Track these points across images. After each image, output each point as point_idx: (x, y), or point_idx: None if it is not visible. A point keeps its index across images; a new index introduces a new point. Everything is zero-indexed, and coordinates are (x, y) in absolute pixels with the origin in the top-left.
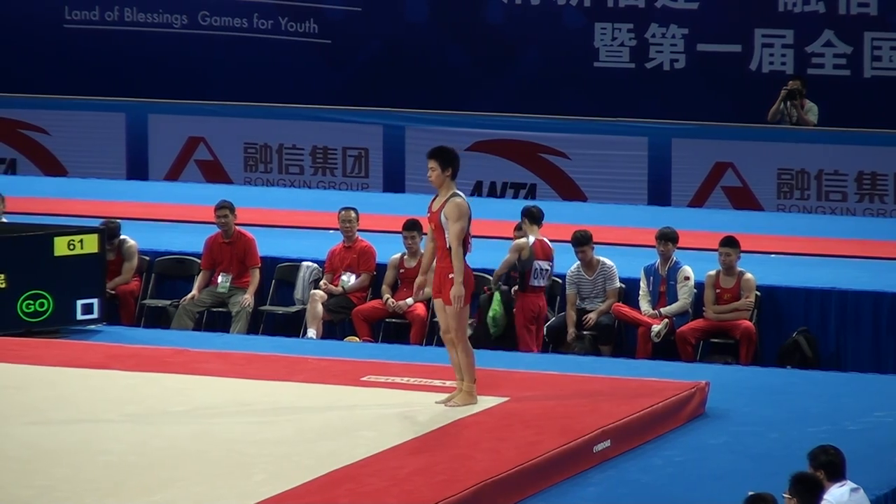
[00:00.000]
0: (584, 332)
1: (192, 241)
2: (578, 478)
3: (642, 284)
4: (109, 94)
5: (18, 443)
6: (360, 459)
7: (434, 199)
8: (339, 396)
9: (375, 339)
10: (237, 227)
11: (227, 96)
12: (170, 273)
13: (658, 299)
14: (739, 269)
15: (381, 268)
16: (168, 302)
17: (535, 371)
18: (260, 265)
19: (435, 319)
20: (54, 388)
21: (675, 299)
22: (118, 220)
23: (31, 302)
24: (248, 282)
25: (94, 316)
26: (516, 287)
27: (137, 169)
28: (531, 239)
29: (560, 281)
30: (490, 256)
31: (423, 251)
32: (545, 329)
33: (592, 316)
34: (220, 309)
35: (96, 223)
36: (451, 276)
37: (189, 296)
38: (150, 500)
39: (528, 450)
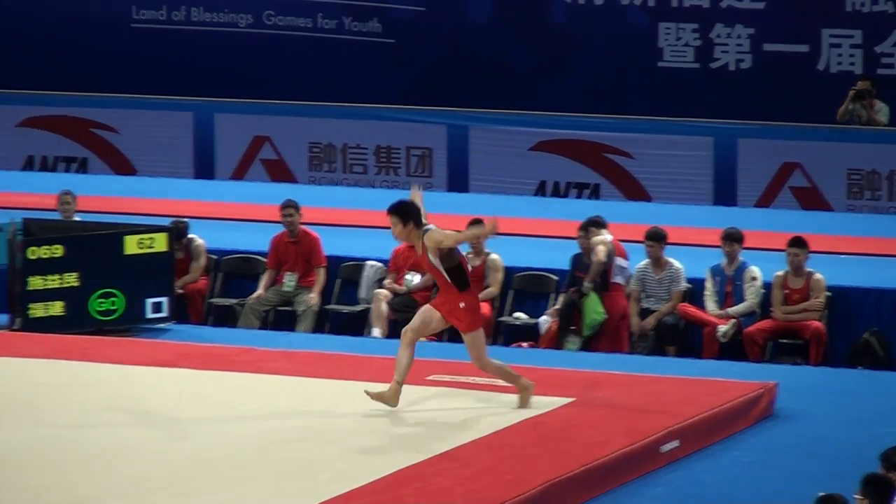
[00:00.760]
0: (648, 332)
1: (257, 239)
2: (646, 478)
3: (708, 284)
4: (177, 94)
5: (88, 441)
6: (426, 458)
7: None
8: (403, 395)
9: (440, 339)
10: (302, 227)
11: (291, 96)
12: (236, 272)
13: (724, 299)
14: (808, 269)
15: None
16: (235, 301)
17: (600, 371)
18: (325, 264)
19: (500, 319)
20: (124, 387)
21: (742, 299)
22: (186, 219)
23: (103, 300)
24: (314, 281)
25: (164, 314)
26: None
27: (204, 168)
28: (608, 237)
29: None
30: (554, 256)
31: (486, 251)
32: None
33: (651, 319)
34: (286, 308)
35: (165, 222)
36: (461, 304)
37: (255, 295)
38: (216, 499)
39: (594, 450)
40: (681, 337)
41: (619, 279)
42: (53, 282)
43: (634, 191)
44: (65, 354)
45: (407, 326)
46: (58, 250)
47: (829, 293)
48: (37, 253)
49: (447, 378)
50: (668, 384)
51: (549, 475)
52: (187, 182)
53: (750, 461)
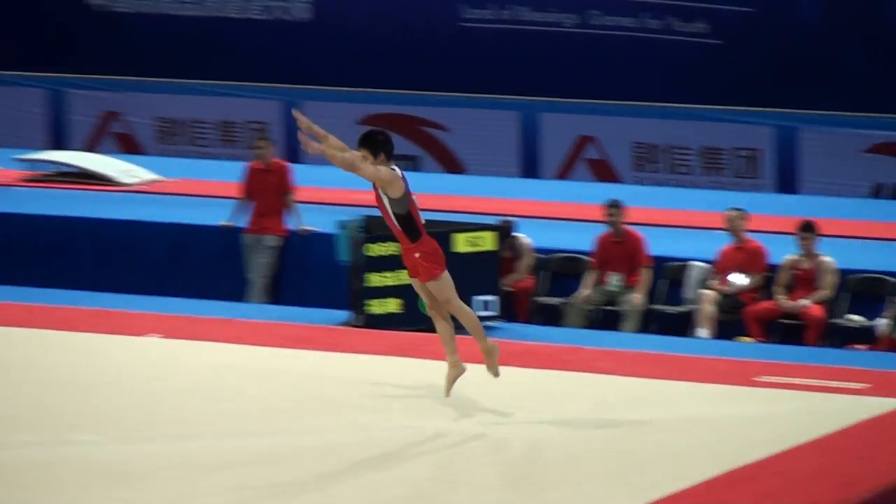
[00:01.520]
0: None
1: (582, 239)
2: None
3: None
4: (503, 93)
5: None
6: (758, 460)
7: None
8: (730, 396)
9: (768, 340)
10: (626, 227)
11: (615, 96)
12: (562, 271)
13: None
14: (817, 252)
15: (772, 268)
16: (560, 300)
17: None
18: (650, 264)
19: (833, 321)
20: (457, 386)
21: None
22: (513, 218)
23: None
24: (638, 281)
25: (492, 312)
26: None
27: (529, 167)
28: None
29: None
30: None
31: (816, 252)
32: None
33: None
34: (611, 307)
35: (491, 220)
36: (416, 255)
37: (580, 294)
38: (545, 497)
39: None
40: None
41: None
42: (389, 279)
43: None
44: (401, 352)
45: (427, 307)
46: (393, 248)
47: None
48: (375, 250)
49: (777, 379)
50: None
51: (884, 478)
52: (513, 181)
53: None
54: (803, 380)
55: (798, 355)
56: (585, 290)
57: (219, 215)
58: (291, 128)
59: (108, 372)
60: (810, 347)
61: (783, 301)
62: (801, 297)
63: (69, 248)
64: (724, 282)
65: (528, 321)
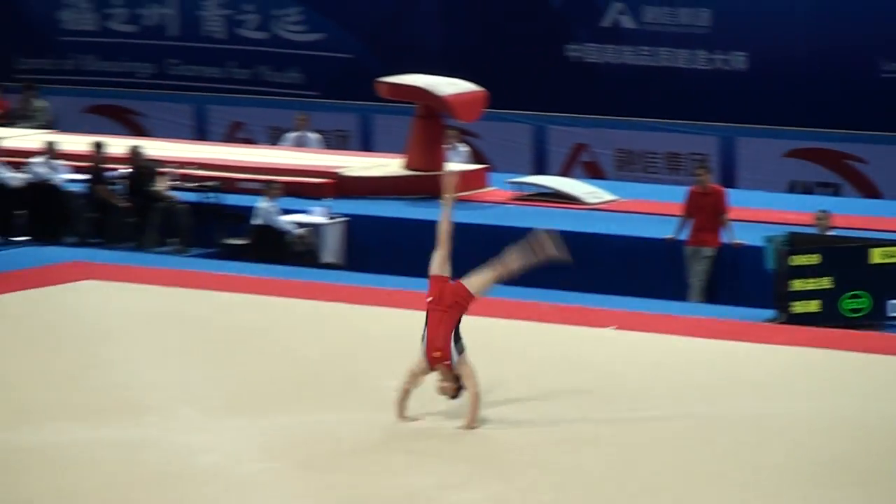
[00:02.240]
0: None
1: None
2: None
3: None
4: None
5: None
6: None
7: None
8: None
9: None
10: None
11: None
12: None
13: None
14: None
15: None
16: None
17: None
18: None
19: None
20: None
21: None
22: None
23: (853, 300)
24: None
25: None
26: None
27: None
28: None
29: None
30: None
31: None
32: None
33: None
34: None
35: None
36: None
37: None
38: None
39: None
40: None
41: None
42: (811, 284)
43: None
44: (825, 344)
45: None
46: (814, 258)
47: None
48: (798, 260)
49: None
50: None
51: None
52: None
53: None
54: None
55: None
56: None
57: (665, 230)
58: (728, 159)
59: (573, 357)
60: None
61: None
62: None
63: None
64: None
65: None
